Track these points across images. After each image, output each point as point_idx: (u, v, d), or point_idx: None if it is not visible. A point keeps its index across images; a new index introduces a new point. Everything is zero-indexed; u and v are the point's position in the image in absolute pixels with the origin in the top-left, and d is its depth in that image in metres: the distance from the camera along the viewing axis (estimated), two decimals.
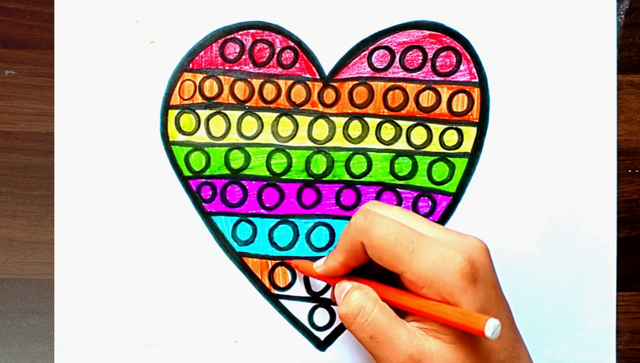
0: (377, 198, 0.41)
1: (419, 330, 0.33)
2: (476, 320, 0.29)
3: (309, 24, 0.41)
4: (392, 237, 0.33)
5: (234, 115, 0.41)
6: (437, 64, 0.41)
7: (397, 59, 0.41)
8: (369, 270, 0.37)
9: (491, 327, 0.29)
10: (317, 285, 0.41)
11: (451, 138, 0.41)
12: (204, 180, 0.41)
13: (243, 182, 0.41)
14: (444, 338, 0.32)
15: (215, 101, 0.41)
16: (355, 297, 0.34)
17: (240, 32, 0.41)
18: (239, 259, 0.41)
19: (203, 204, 0.41)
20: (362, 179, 0.41)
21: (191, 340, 0.41)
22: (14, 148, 0.42)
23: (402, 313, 0.34)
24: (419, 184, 0.41)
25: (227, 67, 0.41)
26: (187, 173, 0.41)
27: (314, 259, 0.41)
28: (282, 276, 0.41)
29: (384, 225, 0.33)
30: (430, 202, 0.41)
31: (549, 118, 0.41)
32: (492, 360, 0.32)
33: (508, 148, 0.41)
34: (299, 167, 0.41)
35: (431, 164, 0.41)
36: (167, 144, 0.41)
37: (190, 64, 0.41)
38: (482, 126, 0.41)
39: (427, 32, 0.41)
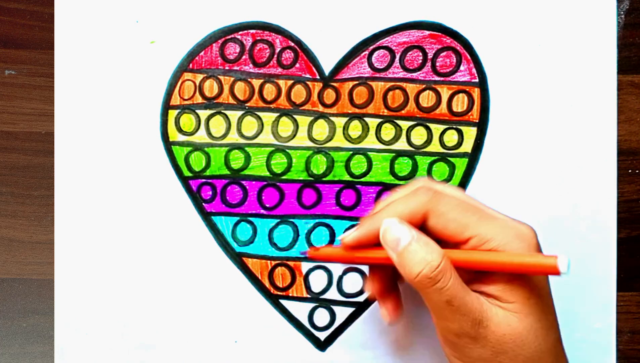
0: (377, 197, 0.41)
1: (484, 297, 0.33)
2: (548, 259, 0.30)
3: (309, 24, 0.41)
4: (459, 206, 0.33)
5: (234, 115, 0.41)
6: (437, 64, 0.41)
7: (397, 59, 0.41)
8: None
9: (565, 263, 0.30)
10: (317, 285, 0.41)
11: (451, 138, 0.41)
12: (204, 180, 0.41)
13: (243, 182, 0.41)
14: (508, 307, 0.32)
15: (215, 101, 0.41)
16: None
17: (240, 32, 0.41)
18: (238, 259, 0.41)
19: (203, 204, 0.41)
20: (362, 180, 0.41)
21: (191, 340, 0.41)
22: (14, 148, 0.42)
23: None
24: None
25: (227, 68, 0.41)
26: (187, 173, 0.41)
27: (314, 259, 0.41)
28: (282, 276, 0.41)
29: (451, 196, 0.34)
30: None
31: (549, 118, 0.41)
32: (551, 335, 0.33)
33: (508, 148, 0.41)
34: (299, 167, 0.41)
35: (431, 164, 0.41)
36: (167, 144, 0.41)
37: (190, 64, 0.41)
38: (482, 126, 0.41)
39: (427, 32, 0.41)
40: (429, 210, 0.33)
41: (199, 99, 0.41)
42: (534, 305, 0.32)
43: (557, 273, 0.30)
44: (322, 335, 0.41)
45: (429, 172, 0.41)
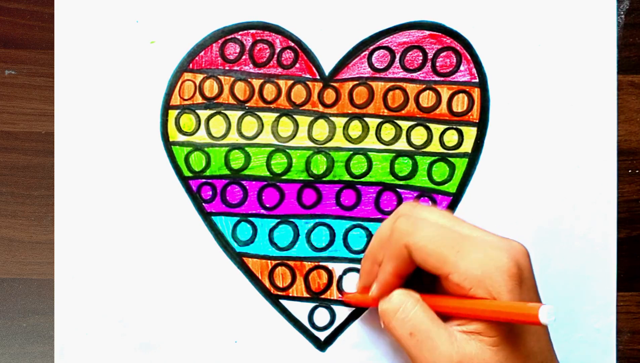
0: (377, 198, 0.41)
1: (460, 333, 0.32)
2: (529, 308, 0.29)
3: (309, 24, 0.41)
4: (437, 238, 0.33)
5: (234, 115, 0.41)
6: (437, 64, 0.41)
7: (397, 59, 0.41)
8: (414, 286, 0.36)
9: (546, 312, 0.29)
10: (317, 285, 0.41)
11: (451, 138, 0.41)
12: (204, 180, 0.41)
13: (243, 182, 0.41)
14: (487, 340, 0.32)
15: (215, 101, 0.41)
16: (397, 294, 0.34)
17: (240, 32, 0.41)
18: (239, 259, 0.41)
19: (203, 204, 0.41)
20: (362, 180, 0.41)
21: (191, 341, 0.41)
22: (14, 148, 0.42)
23: (444, 319, 0.34)
24: (419, 185, 0.41)
25: (227, 68, 0.41)
26: (187, 173, 0.41)
27: (314, 259, 0.41)
28: (282, 276, 0.41)
29: (428, 227, 0.33)
30: (430, 202, 0.41)
31: (549, 118, 0.41)
32: (530, 362, 0.32)
33: (508, 148, 0.41)
34: (299, 167, 0.41)
35: (431, 164, 0.41)
36: (167, 144, 0.41)
37: (190, 64, 0.41)
38: (482, 126, 0.41)
39: (427, 32, 0.41)
40: (408, 245, 0.34)
41: (199, 99, 0.41)
42: (517, 336, 0.32)
43: (538, 323, 0.29)
44: (322, 335, 0.41)
45: (429, 172, 0.41)
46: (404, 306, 0.33)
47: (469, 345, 0.32)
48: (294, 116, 0.41)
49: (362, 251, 0.41)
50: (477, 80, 0.41)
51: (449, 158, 0.41)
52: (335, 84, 0.41)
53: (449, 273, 0.32)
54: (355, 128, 0.41)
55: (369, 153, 0.41)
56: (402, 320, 0.33)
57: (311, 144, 0.41)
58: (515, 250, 0.33)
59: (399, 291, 0.34)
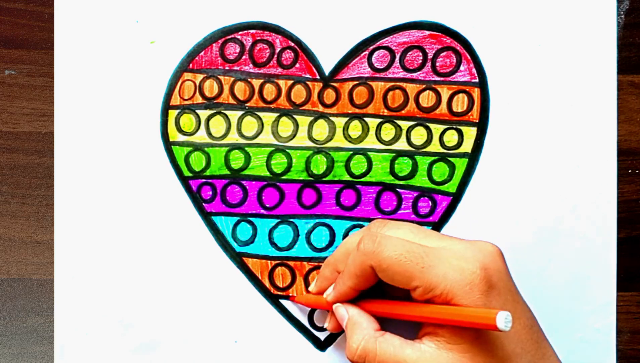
0: (377, 198, 0.41)
1: (429, 345, 0.33)
2: (486, 315, 0.30)
3: (309, 24, 0.41)
4: (401, 257, 0.33)
5: (234, 115, 0.41)
6: (437, 64, 0.41)
7: (397, 59, 0.41)
8: (378, 288, 0.37)
9: (502, 319, 0.29)
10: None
11: (451, 138, 0.41)
12: (204, 180, 0.41)
13: (243, 182, 0.41)
14: (457, 348, 0.32)
15: (215, 101, 0.41)
16: (356, 341, 0.35)
17: (240, 32, 0.41)
18: (239, 259, 0.41)
19: (203, 204, 0.41)
20: (362, 180, 0.41)
21: (191, 340, 0.41)
22: (14, 148, 0.42)
23: (415, 331, 0.34)
24: (419, 185, 0.41)
25: (227, 68, 0.41)
26: (187, 173, 0.41)
27: (314, 259, 0.41)
28: (282, 276, 0.41)
29: (392, 246, 0.33)
30: (430, 202, 0.41)
31: (549, 118, 0.41)
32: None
33: (508, 148, 0.41)
34: (299, 167, 0.41)
35: (431, 164, 0.41)
36: (167, 144, 0.41)
37: (190, 64, 0.41)
38: (482, 126, 0.41)
39: (427, 32, 0.41)
40: (373, 266, 0.34)
41: (199, 99, 0.41)
42: (485, 342, 0.32)
43: (495, 329, 0.30)
44: (322, 335, 0.41)
45: (429, 172, 0.41)
46: (369, 354, 0.34)
47: (441, 357, 0.32)
48: (294, 116, 0.41)
49: None
50: (477, 80, 0.41)
51: (449, 158, 0.41)
52: (335, 84, 0.41)
53: (415, 289, 0.33)
54: (355, 128, 0.41)
55: (369, 153, 0.41)
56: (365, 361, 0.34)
57: (311, 144, 0.41)
58: (483, 255, 0.33)
59: (357, 337, 0.35)
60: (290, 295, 0.41)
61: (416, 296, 0.33)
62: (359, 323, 0.36)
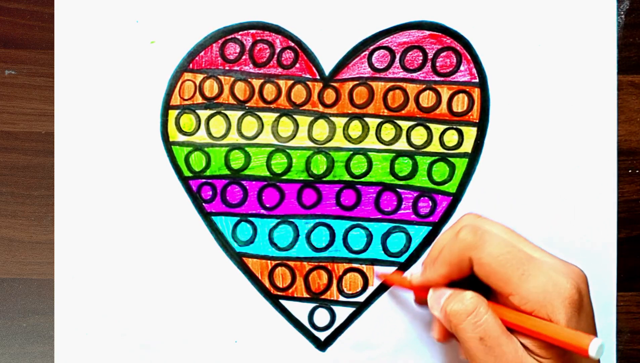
0: (377, 198, 0.41)
1: (522, 347, 0.32)
2: (582, 339, 0.30)
3: (309, 24, 0.41)
4: (502, 257, 0.32)
5: (234, 115, 0.41)
6: (437, 64, 0.41)
7: (397, 59, 0.41)
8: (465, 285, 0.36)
9: (595, 347, 0.30)
10: (317, 285, 0.41)
11: (451, 138, 0.41)
12: (204, 180, 0.41)
13: (243, 182, 0.41)
14: (542, 361, 0.32)
15: (215, 101, 0.41)
16: (471, 297, 0.33)
17: (240, 32, 0.41)
18: (239, 259, 0.41)
19: (203, 204, 0.41)
20: (362, 180, 0.41)
21: (191, 340, 0.41)
22: (14, 148, 0.42)
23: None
24: (419, 185, 0.41)
25: (227, 68, 0.41)
26: (187, 173, 0.41)
27: (314, 259, 0.41)
28: (282, 276, 0.41)
29: (495, 244, 0.33)
30: (430, 202, 0.41)
31: (549, 118, 0.41)
32: None
33: (508, 148, 0.41)
34: (299, 167, 0.41)
35: (431, 164, 0.41)
36: (167, 144, 0.41)
37: (191, 64, 0.41)
38: (482, 126, 0.41)
39: (427, 32, 0.41)
40: (472, 258, 0.33)
41: (199, 99, 0.41)
42: (570, 360, 0.32)
43: (586, 355, 0.30)
44: (322, 335, 0.41)
45: (429, 172, 0.41)
46: (478, 310, 0.33)
47: (528, 360, 0.32)
48: (294, 116, 0.41)
49: (362, 251, 0.41)
50: (477, 80, 0.41)
51: (449, 158, 0.41)
52: (335, 84, 0.41)
53: (510, 294, 0.32)
54: (355, 128, 0.41)
55: (369, 153, 0.41)
56: (473, 324, 0.33)
57: (311, 144, 0.41)
58: (576, 275, 0.32)
59: (472, 294, 0.33)
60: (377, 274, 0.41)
61: (507, 302, 0.33)
62: (476, 294, 0.34)
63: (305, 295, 0.41)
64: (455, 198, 0.41)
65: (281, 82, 0.41)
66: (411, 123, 0.41)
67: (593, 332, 0.33)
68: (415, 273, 0.38)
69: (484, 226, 0.35)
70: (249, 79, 0.41)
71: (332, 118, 0.41)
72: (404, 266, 0.41)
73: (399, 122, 0.41)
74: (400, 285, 0.40)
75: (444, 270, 0.35)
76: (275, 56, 0.41)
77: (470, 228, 0.34)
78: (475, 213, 0.37)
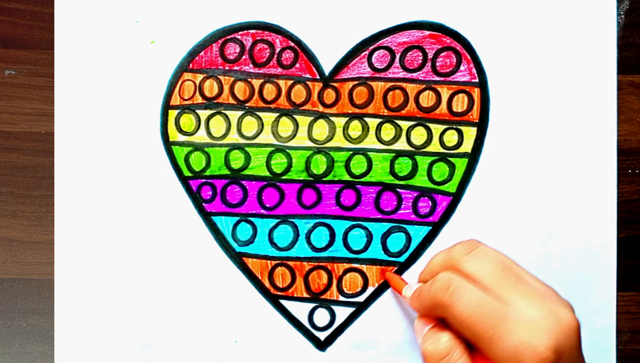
0: (377, 198, 0.41)
1: None
2: None
3: (309, 24, 0.41)
4: (472, 319, 0.32)
5: (234, 115, 0.41)
6: (437, 64, 0.41)
7: (397, 59, 0.41)
8: None
9: None
10: (317, 285, 0.41)
11: (451, 138, 0.41)
12: (204, 180, 0.41)
13: (243, 182, 0.41)
14: None
15: (215, 101, 0.41)
16: (447, 339, 0.33)
17: (240, 32, 0.41)
18: (238, 259, 0.41)
19: (203, 204, 0.41)
20: (362, 180, 0.41)
21: (191, 340, 0.41)
22: (14, 148, 0.42)
23: None
24: (419, 185, 0.41)
25: (227, 68, 0.41)
26: (187, 173, 0.41)
27: (314, 259, 0.41)
28: (282, 276, 0.41)
29: (466, 301, 0.32)
30: (430, 202, 0.41)
31: (549, 118, 0.41)
32: None
33: (508, 148, 0.41)
34: (299, 167, 0.41)
35: (431, 164, 0.41)
36: (167, 144, 0.41)
37: (190, 64, 0.41)
38: (482, 126, 0.41)
39: (427, 32, 0.41)
40: (444, 311, 0.33)
41: (199, 99, 0.41)
42: None
43: None
44: (322, 335, 0.41)
45: (429, 172, 0.41)
46: (451, 355, 0.32)
47: None
48: (294, 116, 0.41)
49: (362, 251, 0.41)
50: (477, 80, 0.41)
51: (449, 158, 0.41)
52: (335, 84, 0.41)
53: (482, 350, 0.32)
54: (355, 128, 0.41)
55: (369, 153, 0.41)
56: None
57: (311, 144, 0.41)
58: (560, 329, 0.31)
59: (447, 337, 0.33)
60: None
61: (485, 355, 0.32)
62: (453, 336, 0.34)
63: (305, 295, 0.41)
64: (455, 198, 0.41)
65: (281, 82, 0.41)
66: (411, 123, 0.41)
67: None
68: (408, 293, 0.37)
69: (468, 259, 0.34)
70: (249, 79, 0.41)
71: (332, 118, 0.41)
72: (403, 266, 0.41)
73: (399, 122, 0.41)
74: (396, 290, 0.40)
75: (422, 310, 0.35)
76: (275, 56, 0.41)
77: (443, 282, 0.33)
78: (472, 242, 0.36)
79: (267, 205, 0.41)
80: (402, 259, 0.41)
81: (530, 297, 0.32)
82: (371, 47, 0.41)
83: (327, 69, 0.41)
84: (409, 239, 0.41)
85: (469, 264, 0.34)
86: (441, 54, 0.41)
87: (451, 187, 0.41)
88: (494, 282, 0.33)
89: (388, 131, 0.41)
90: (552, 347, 0.30)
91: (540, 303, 0.32)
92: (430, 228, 0.41)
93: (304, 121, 0.41)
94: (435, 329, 0.34)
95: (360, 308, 0.41)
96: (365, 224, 0.41)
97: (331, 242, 0.41)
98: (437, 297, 0.33)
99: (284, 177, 0.41)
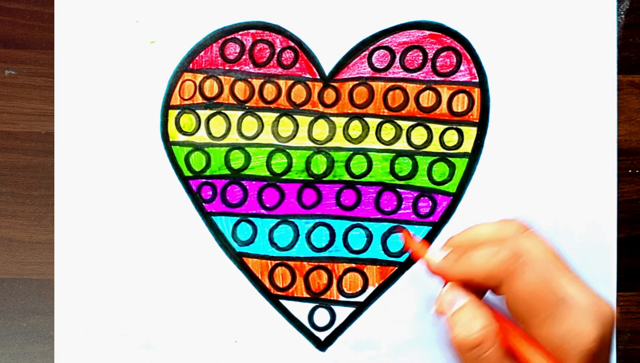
0: (377, 198, 0.41)
1: None
2: None
3: (309, 24, 0.41)
4: (534, 293, 0.31)
5: (234, 115, 0.41)
6: (438, 64, 0.41)
7: (397, 59, 0.41)
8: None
9: None
10: (317, 285, 0.41)
11: (451, 138, 0.41)
12: (204, 180, 0.41)
13: (243, 182, 0.41)
14: None
15: (215, 101, 0.41)
16: (480, 327, 0.32)
17: (240, 32, 0.41)
18: (239, 259, 0.41)
19: (203, 204, 0.41)
20: (362, 180, 0.41)
21: (191, 340, 0.41)
22: (14, 148, 0.42)
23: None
24: (419, 185, 0.41)
25: (227, 68, 0.41)
26: (187, 173, 0.41)
27: (314, 259, 0.41)
28: (282, 276, 0.41)
29: (535, 275, 0.31)
30: (430, 202, 0.41)
31: (549, 118, 0.41)
32: None
33: (508, 148, 0.41)
34: (299, 167, 0.41)
35: (431, 164, 0.41)
36: (167, 144, 0.41)
37: (190, 64, 0.41)
38: (482, 126, 0.41)
39: (427, 32, 0.41)
40: (503, 281, 0.32)
41: (199, 99, 0.41)
42: None
43: None
44: (322, 335, 0.41)
45: (429, 172, 0.41)
46: (483, 344, 0.31)
47: None
48: (294, 116, 0.41)
49: (362, 251, 0.41)
50: (477, 80, 0.41)
51: (449, 158, 0.41)
52: (335, 84, 0.41)
53: (529, 328, 0.31)
54: (355, 128, 0.41)
55: (369, 153, 0.41)
56: (475, 359, 0.31)
57: (311, 144, 0.41)
58: (604, 319, 0.31)
59: (482, 325, 0.32)
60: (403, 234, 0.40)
61: (529, 333, 0.32)
62: (482, 310, 0.32)
63: (305, 295, 0.41)
64: (455, 198, 0.41)
65: (281, 82, 0.41)
66: (411, 123, 0.41)
67: None
68: (437, 253, 0.35)
69: (528, 250, 0.32)
70: (249, 79, 0.41)
71: (332, 118, 0.41)
72: (403, 267, 0.41)
73: (399, 122, 0.41)
74: (416, 254, 0.37)
75: (466, 276, 0.33)
76: (275, 56, 0.41)
77: (516, 251, 0.32)
78: (524, 223, 0.35)
79: (267, 205, 0.41)
80: (402, 259, 0.41)
81: (579, 285, 0.32)
82: (371, 47, 0.41)
83: (327, 69, 0.41)
84: None
85: (525, 242, 0.33)
86: (441, 54, 0.41)
87: (451, 187, 0.41)
88: (548, 264, 0.32)
89: (388, 131, 0.41)
90: (599, 338, 0.30)
91: (588, 292, 0.32)
92: (431, 228, 0.41)
93: (304, 121, 0.41)
94: (470, 307, 0.33)
95: (361, 308, 0.41)
96: (365, 224, 0.41)
97: (331, 242, 0.41)
98: (504, 265, 0.32)
99: (284, 177, 0.41)
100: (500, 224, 0.35)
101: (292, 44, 0.41)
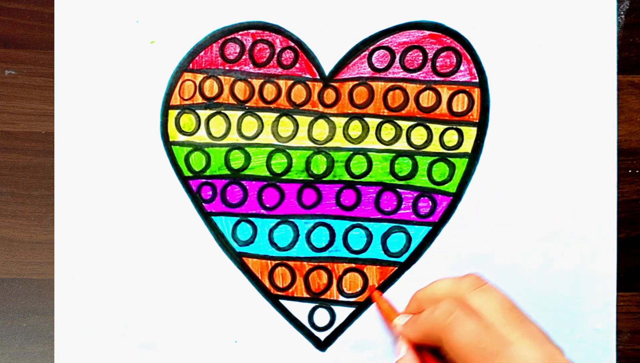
0: (377, 198, 0.41)
1: None
2: None
3: (309, 24, 0.41)
4: (468, 347, 0.32)
5: (234, 115, 0.41)
6: (437, 64, 0.41)
7: (397, 59, 0.41)
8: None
9: None
10: (317, 285, 0.41)
11: (451, 138, 0.41)
12: (204, 180, 0.41)
13: (243, 182, 0.41)
14: None
15: (215, 101, 0.41)
16: None
17: (240, 32, 0.41)
18: (239, 259, 0.41)
19: (203, 204, 0.41)
20: (362, 180, 0.41)
21: (191, 340, 0.41)
22: (14, 148, 0.42)
23: None
24: (419, 185, 0.41)
25: (227, 68, 0.41)
26: (187, 173, 0.41)
27: (314, 259, 0.41)
28: (282, 276, 0.41)
29: (466, 330, 0.32)
30: (430, 202, 0.41)
31: (549, 118, 0.41)
32: None
33: (508, 148, 0.41)
34: (299, 167, 0.41)
35: (431, 164, 0.41)
36: (167, 144, 0.41)
37: (190, 64, 0.41)
38: (482, 126, 0.41)
39: (427, 32, 0.41)
40: (441, 337, 0.33)
41: (199, 99, 0.41)
42: None
43: None
44: (322, 335, 0.41)
45: (429, 172, 0.41)
46: None
47: None
48: (294, 116, 0.41)
49: (362, 251, 0.41)
50: (477, 80, 0.41)
51: (449, 158, 0.41)
52: (335, 84, 0.41)
53: None
54: (355, 128, 0.41)
55: (369, 153, 0.41)
56: None
57: (311, 144, 0.41)
58: None
59: None
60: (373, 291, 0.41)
61: None
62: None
63: (305, 295, 0.41)
64: (455, 198, 0.41)
65: (281, 82, 0.41)
66: (411, 123, 0.41)
67: None
68: (401, 321, 0.38)
69: (473, 296, 0.34)
70: (249, 79, 0.41)
71: (332, 118, 0.41)
72: (403, 267, 0.41)
73: (399, 122, 0.41)
74: (384, 316, 0.41)
75: (416, 337, 0.36)
76: (275, 56, 0.41)
77: (448, 307, 0.33)
78: (479, 279, 0.36)
79: (267, 205, 0.41)
80: (402, 259, 0.41)
81: (532, 339, 0.32)
82: (371, 47, 0.41)
83: (327, 69, 0.41)
84: (409, 239, 0.41)
85: (476, 299, 0.34)
86: (441, 54, 0.41)
87: (451, 187, 0.41)
88: (499, 319, 0.33)
89: (388, 131, 0.41)
90: None
91: (541, 346, 0.32)
92: (431, 228, 0.41)
93: (304, 121, 0.41)
94: (407, 359, 0.36)
95: (360, 308, 0.41)
96: (365, 224, 0.41)
97: (331, 242, 0.41)
98: (438, 322, 0.33)
99: (284, 177, 0.41)
100: (457, 281, 0.36)
101: (292, 44, 0.41)
